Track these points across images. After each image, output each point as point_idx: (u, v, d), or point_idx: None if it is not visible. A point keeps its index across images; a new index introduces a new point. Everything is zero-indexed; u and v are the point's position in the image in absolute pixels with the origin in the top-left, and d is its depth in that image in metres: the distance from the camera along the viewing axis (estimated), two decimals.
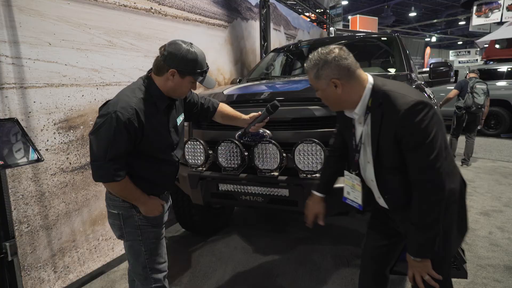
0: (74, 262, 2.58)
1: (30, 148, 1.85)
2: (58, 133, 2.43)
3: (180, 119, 1.83)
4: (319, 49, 1.43)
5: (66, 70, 2.47)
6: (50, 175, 2.38)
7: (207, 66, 1.67)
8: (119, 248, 2.97)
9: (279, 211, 3.50)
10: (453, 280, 1.58)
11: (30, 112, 2.24)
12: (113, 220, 1.73)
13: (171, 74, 1.58)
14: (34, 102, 2.27)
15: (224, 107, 2.14)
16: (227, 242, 3.30)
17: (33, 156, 1.85)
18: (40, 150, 2.28)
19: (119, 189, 1.60)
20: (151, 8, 3.27)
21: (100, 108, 1.61)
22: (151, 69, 1.67)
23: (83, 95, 2.60)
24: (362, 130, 1.47)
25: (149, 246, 1.72)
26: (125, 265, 2.92)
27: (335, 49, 1.39)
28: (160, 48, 1.60)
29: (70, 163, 2.52)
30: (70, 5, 2.49)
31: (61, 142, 2.45)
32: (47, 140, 2.36)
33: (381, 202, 1.56)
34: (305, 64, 1.47)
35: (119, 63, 2.90)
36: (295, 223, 3.68)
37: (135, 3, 3.06)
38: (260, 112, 2.08)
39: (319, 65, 1.39)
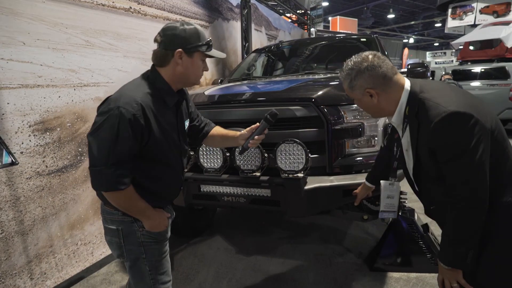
0: (51, 268, 2.51)
1: (4, 151, 1.79)
2: (34, 135, 2.36)
3: (186, 124, 1.66)
4: (353, 57, 1.36)
5: (42, 71, 2.40)
6: (25, 179, 2.31)
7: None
8: (98, 252, 2.91)
9: (262, 211, 3.51)
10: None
11: (3, 114, 2.16)
12: (111, 237, 1.51)
13: (179, 56, 1.42)
14: (8, 103, 2.19)
15: (217, 129, 1.89)
16: (210, 244, 3.28)
17: (6, 159, 1.79)
18: (14, 153, 2.21)
19: (122, 200, 1.39)
20: (130, 7, 3.21)
21: (100, 107, 1.41)
22: (152, 65, 1.51)
23: (59, 96, 2.53)
24: (402, 138, 1.42)
25: (154, 265, 1.52)
26: (105, 269, 2.86)
27: (368, 57, 1.31)
28: (156, 39, 1.46)
29: (46, 166, 2.45)
30: (46, 3, 2.42)
31: (37, 145, 2.38)
32: (22, 143, 2.29)
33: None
34: (339, 74, 1.41)
35: (97, 64, 2.84)
36: (278, 223, 3.69)
37: (113, 2, 3.01)
38: (258, 124, 1.79)
39: (352, 75, 1.32)
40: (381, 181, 1.68)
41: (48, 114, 2.46)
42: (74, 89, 2.65)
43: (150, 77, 1.47)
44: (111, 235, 1.51)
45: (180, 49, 1.42)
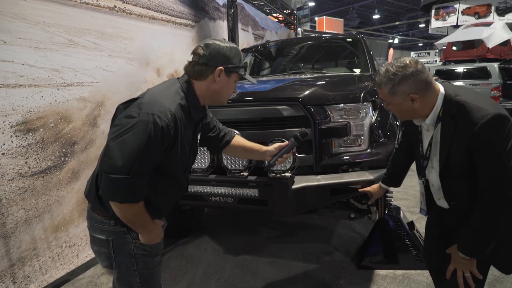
0: (35, 271, 2.46)
1: None
2: (16, 136, 2.31)
3: (198, 137, 1.60)
4: (393, 62, 1.38)
5: (24, 70, 2.34)
6: (7, 181, 2.26)
7: None
8: (84, 254, 2.86)
9: (250, 211, 3.51)
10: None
11: None
12: (99, 248, 1.42)
13: (218, 74, 1.40)
14: None
15: (239, 140, 1.85)
16: (198, 244, 3.26)
17: None
18: None
19: (132, 214, 1.30)
20: (115, 6, 3.17)
21: (123, 107, 1.33)
22: (186, 75, 1.46)
23: (42, 96, 2.48)
24: (430, 137, 1.47)
25: (144, 278, 1.44)
26: (90, 272, 2.82)
27: (411, 63, 1.35)
28: (197, 52, 1.42)
29: (29, 168, 2.40)
30: (27, 1, 2.37)
31: (19, 146, 2.33)
32: (3, 144, 2.23)
33: (440, 203, 1.56)
34: (376, 79, 1.43)
35: (81, 63, 2.79)
36: (266, 222, 3.69)
37: (97, 1, 2.96)
38: (287, 142, 1.84)
39: (395, 80, 1.34)
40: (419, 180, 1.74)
41: (31, 115, 2.40)
42: (58, 89, 2.59)
43: (183, 87, 1.41)
44: (99, 245, 1.42)
45: (221, 67, 1.40)
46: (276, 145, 1.85)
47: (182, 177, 1.50)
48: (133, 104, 1.31)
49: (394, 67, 1.36)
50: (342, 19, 19.04)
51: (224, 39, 1.47)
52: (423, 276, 2.54)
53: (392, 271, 2.64)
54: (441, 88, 1.40)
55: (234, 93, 1.58)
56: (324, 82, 2.74)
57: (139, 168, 1.21)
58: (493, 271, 2.58)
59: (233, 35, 5.80)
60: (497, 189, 1.29)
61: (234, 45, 1.47)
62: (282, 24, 9.85)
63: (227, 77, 1.44)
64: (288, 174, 2.16)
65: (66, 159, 2.67)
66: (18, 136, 2.32)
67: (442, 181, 1.48)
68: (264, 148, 1.84)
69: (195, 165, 2.37)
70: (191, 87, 1.42)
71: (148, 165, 1.25)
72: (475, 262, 1.40)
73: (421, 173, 1.60)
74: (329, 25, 17.52)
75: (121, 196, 1.24)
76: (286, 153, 1.82)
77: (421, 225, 2.80)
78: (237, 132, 1.92)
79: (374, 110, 2.44)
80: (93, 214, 1.41)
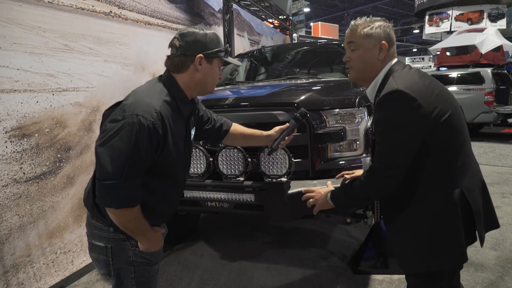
0: (29, 278, 2.43)
1: None
2: (10, 141, 2.29)
3: (192, 133, 1.55)
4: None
5: (19, 75, 2.34)
6: (1, 187, 2.24)
7: None
8: (79, 261, 2.84)
9: (246, 216, 3.50)
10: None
11: None
12: (98, 255, 1.40)
13: (199, 61, 1.35)
14: None
15: (237, 128, 1.81)
16: (194, 250, 3.24)
17: None
18: None
19: (129, 219, 1.27)
20: (111, 11, 3.17)
21: (108, 113, 1.30)
22: (167, 70, 1.43)
23: (37, 101, 2.47)
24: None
25: (142, 286, 1.43)
26: (85, 278, 2.79)
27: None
28: (173, 44, 1.38)
29: (24, 173, 2.38)
30: (22, 7, 2.37)
31: (14, 151, 2.31)
32: None
33: None
34: (352, 22, 1.44)
35: (76, 68, 2.79)
36: (262, 227, 3.68)
37: (93, 6, 2.96)
38: (287, 124, 1.79)
39: (374, 24, 1.38)
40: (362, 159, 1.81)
41: (26, 120, 2.39)
42: (53, 94, 2.59)
43: (166, 83, 1.39)
44: (98, 252, 1.40)
45: (201, 55, 1.36)
46: (277, 128, 1.80)
47: (180, 176, 1.47)
48: (117, 108, 1.28)
49: (371, 17, 1.43)
50: (337, 25, 19.19)
51: (200, 26, 1.42)
52: None
53: (388, 276, 2.64)
54: (393, 61, 1.40)
55: (221, 79, 1.52)
56: (319, 87, 2.75)
57: (130, 171, 1.19)
58: (488, 275, 2.60)
59: (229, 40, 5.82)
60: (379, 162, 1.33)
61: (211, 30, 1.42)
62: (278, 30, 9.90)
63: (209, 64, 1.39)
64: (284, 179, 2.16)
65: (61, 164, 2.65)
66: (13, 142, 2.31)
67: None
68: (265, 133, 1.81)
69: (191, 170, 2.36)
70: (174, 81, 1.39)
71: (139, 167, 1.23)
72: (326, 205, 1.54)
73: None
74: (324, 31, 17.65)
75: (116, 201, 1.22)
76: (287, 135, 1.79)
77: None
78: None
79: (369, 115, 2.45)
80: (92, 221, 1.39)
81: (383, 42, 1.37)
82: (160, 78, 1.42)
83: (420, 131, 1.26)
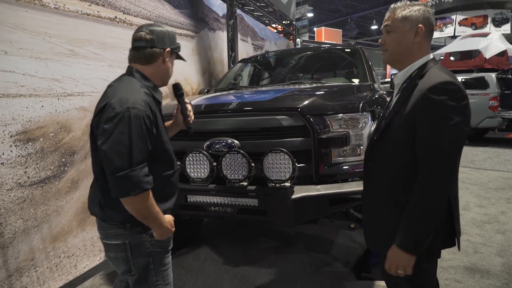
0: (33, 282, 2.43)
1: None
2: (15, 145, 2.31)
3: None
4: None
5: (24, 80, 2.36)
6: (6, 190, 2.25)
7: None
8: (82, 265, 2.84)
9: (249, 221, 3.49)
10: None
11: None
12: (116, 253, 1.46)
13: (167, 55, 1.51)
14: None
15: None
16: (197, 254, 3.24)
17: None
18: None
19: (144, 204, 1.34)
20: (116, 17, 3.20)
21: (96, 120, 1.38)
22: (130, 66, 1.53)
23: (42, 106, 2.49)
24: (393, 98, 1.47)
25: (161, 275, 1.50)
26: (89, 283, 2.79)
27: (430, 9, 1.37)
28: (142, 37, 1.46)
29: (28, 177, 2.39)
30: (29, 12, 2.40)
31: (19, 155, 2.33)
32: (3, 154, 2.23)
33: None
34: (392, 5, 1.41)
35: (81, 73, 2.81)
36: (266, 232, 3.67)
37: (98, 12, 2.99)
38: (178, 104, 1.80)
39: (414, 7, 1.35)
40: None
41: (31, 124, 2.41)
42: (58, 99, 2.61)
43: (137, 77, 1.48)
44: (115, 250, 1.46)
45: (169, 49, 1.50)
46: (175, 112, 1.81)
47: (173, 156, 1.57)
48: (104, 111, 1.35)
49: (412, 1, 1.39)
50: (341, 30, 19.23)
51: (159, 24, 1.58)
52: None
53: None
54: (430, 55, 1.38)
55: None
56: (323, 92, 2.75)
57: (137, 158, 1.29)
58: (494, 282, 2.56)
59: (232, 45, 5.85)
60: (434, 160, 1.21)
61: (170, 28, 1.59)
62: (281, 35, 9.94)
63: (171, 58, 1.55)
64: (287, 184, 2.16)
65: (66, 168, 2.67)
66: (18, 146, 2.32)
67: (376, 146, 1.45)
68: (170, 122, 1.81)
69: (195, 175, 2.37)
70: (142, 74, 1.49)
71: (144, 153, 1.33)
72: (414, 260, 1.30)
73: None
74: (327, 36, 17.70)
75: (132, 188, 1.28)
76: (186, 110, 1.78)
77: None
78: None
79: (373, 120, 2.44)
80: (104, 224, 1.45)
81: (420, 25, 1.34)
82: (129, 74, 1.51)
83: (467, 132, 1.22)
